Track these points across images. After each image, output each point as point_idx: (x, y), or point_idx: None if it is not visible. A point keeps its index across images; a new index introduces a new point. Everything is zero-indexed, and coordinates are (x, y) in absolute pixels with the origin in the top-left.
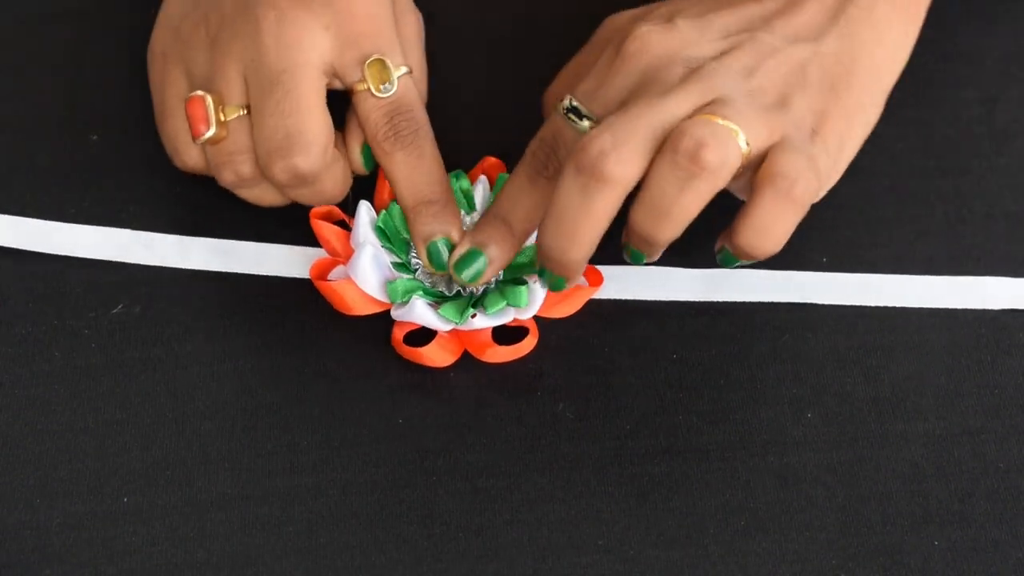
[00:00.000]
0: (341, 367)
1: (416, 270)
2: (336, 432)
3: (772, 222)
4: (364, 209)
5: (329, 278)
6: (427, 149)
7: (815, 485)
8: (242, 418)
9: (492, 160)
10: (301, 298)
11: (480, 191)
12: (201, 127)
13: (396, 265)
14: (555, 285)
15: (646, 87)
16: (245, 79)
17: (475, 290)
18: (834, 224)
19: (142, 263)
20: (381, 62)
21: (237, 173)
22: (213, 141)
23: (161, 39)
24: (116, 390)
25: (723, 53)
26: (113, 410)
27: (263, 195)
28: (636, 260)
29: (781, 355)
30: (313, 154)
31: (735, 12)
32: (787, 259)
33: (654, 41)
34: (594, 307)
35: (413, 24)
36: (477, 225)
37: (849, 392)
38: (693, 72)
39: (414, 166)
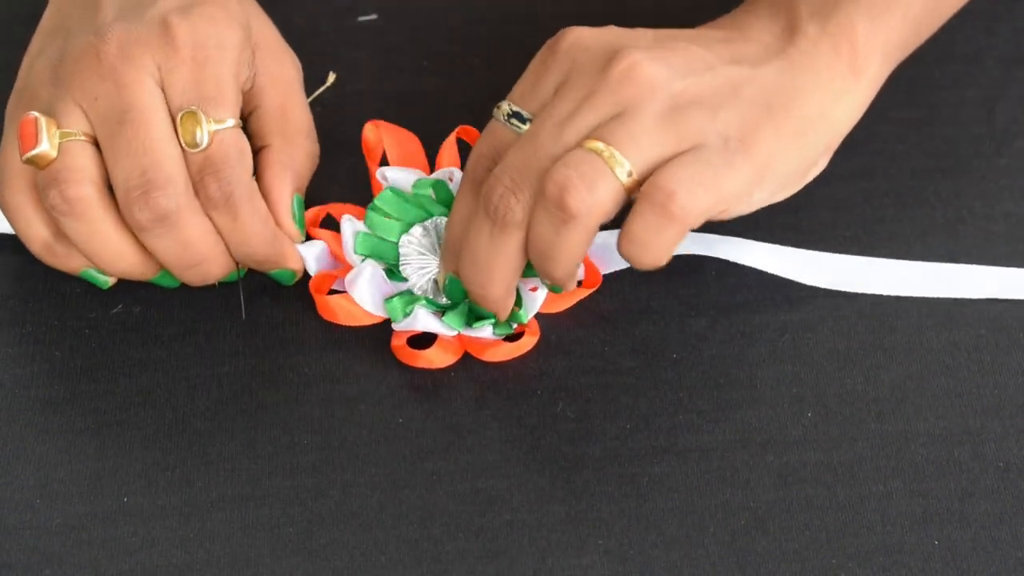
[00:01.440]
0: (341, 368)
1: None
2: (336, 433)
3: (648, 236)
4: (347, 224)
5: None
6: (241, 211)
7: (815, 484)
8: (242, 419)
9: (467, 129)
10: (301, 299)
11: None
12: (29, 143)
13: (388, 272)
14: (553, 288)
15: (560, 96)
16: (86, 114)
17: None
18: (834, 224)
19: None
20: (193, 115)
21: (62, 195)
22: (42, 161)
23: (20, 77)
24: (116, 390)
25: (655, 53)
26: (113, 410)
27: (104, 244)
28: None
29: (781, 355)
30: (172, 191)
31: (681, 36)
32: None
33: (585, 36)
34: (594, 307)
35: (285, 69)
36: (442, 254)
37: (849, 392)
38: (605, 78)
39: (230, 229)
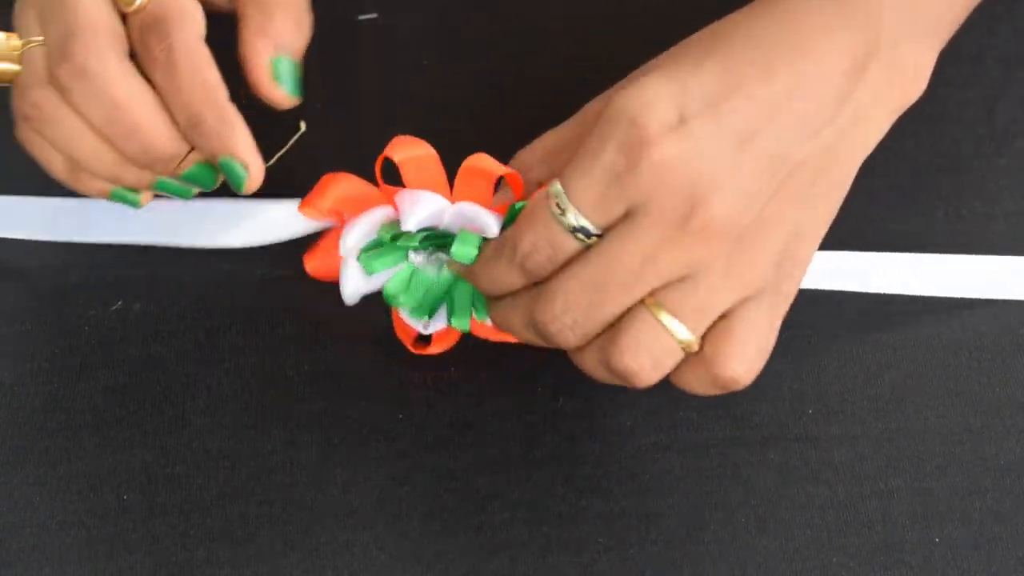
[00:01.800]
0: (341, 364)
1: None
2: (336, 429)
3: (694, 388)
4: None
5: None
6: (180, 67)
7: (816, 482)
8: (242, 415)
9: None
10: (301, 295)
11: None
12: None
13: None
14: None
15: (633, 235)
16: (40, 14)
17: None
18: (834, 222)
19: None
20: None
21: (28, 103)
22: (6, 77)
23: None
24: (116, 387)
25: (734, 180)
26: (113, 408)
27: (71, 135)
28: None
29: (782, 352)
30: (91, 42)
31: (747, 100)
32: None
33: (669, 165)
34: None
35: None
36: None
37: (850, 389)
38: (683, 232)
39: (169, 88)
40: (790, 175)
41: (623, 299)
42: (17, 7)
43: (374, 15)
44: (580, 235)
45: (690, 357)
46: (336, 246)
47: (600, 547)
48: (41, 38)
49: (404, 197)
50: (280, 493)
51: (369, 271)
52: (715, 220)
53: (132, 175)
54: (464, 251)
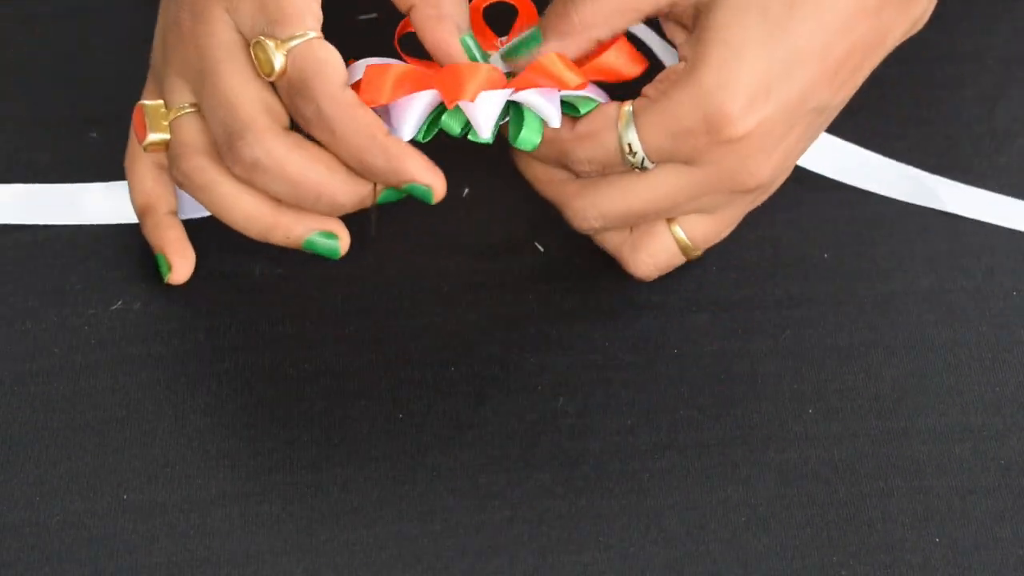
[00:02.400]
0: (341, 364)
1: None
2: (336, 429)
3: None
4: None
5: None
6: (337, 124)
7: (816, 481)
8: (242, 415)
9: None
10: (301, 295)
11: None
12: (140, 133)
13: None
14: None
15: (685, 180)
16: (188, 84)
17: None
18: (835, 221)
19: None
20: (259, 44)
21: (179, 171)
22: (157, 146)
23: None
24: (116, 387)
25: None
26: (113, 407)
27: (232, 206)
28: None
29: (782, 351)
30: (251, 138)
31: (808, 75)
32: (788, 256)
33: (738, 147)
34: (595, 303)
35: None
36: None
37: (850, 388)
38: (734, 194)
39: (333, 146)
40: (819, 114)
41: (654, 219)
42: (158, 66)
43: (374, 15)
44: (632, 159)
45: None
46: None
47: (600, 547)
48: (189, 107)
49: (469, 104)
50: (280, 492)
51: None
52: (762, 184)
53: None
54: (529, 139)
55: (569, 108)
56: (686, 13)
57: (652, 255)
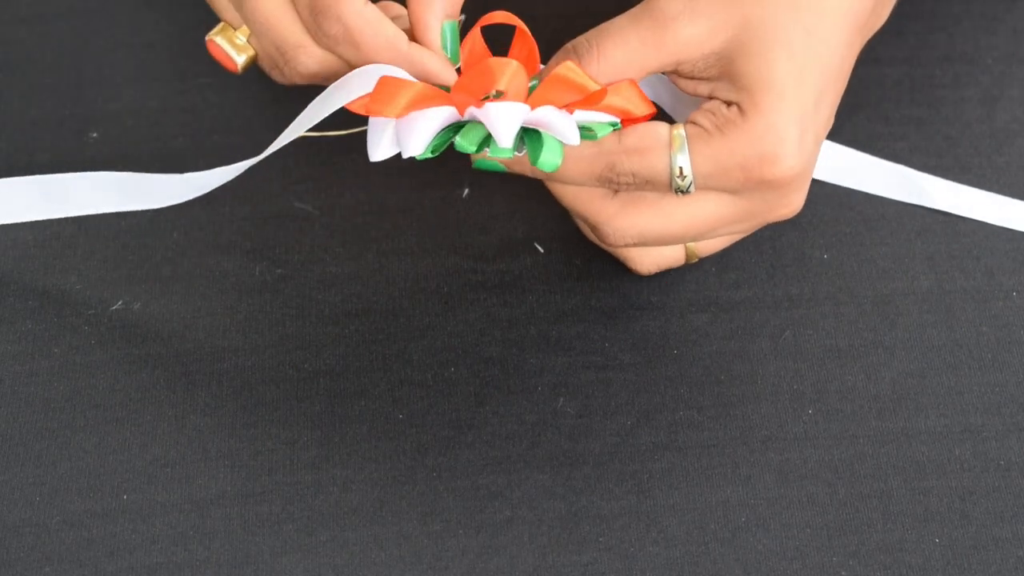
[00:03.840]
0: (341, 364)
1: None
2: (336, 429)
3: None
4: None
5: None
6: (362, 43)
7: (816, 482)
8: (242, 415)
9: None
10: (301, 295)
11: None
12: (229, 65)
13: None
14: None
15: (730, 209)
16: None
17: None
18: (835, 221)
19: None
20: None
21: (296, 69)
22: (248, 64)
23: None
24: (116, 387)
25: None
26: (113, 407)
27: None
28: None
29: (782, 351)
30: (303, 58)
31: (830, 107)
32: (788, 256)
33: (784, 184)
34: (595, 303)
35: None
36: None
37: (850, 389)
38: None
39: (360, 62)
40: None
41: (686, 241)
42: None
43: None
44: (680, 188)
45: None
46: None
47: (600, 547)
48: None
49: (489, 111)
50: (280, 493)
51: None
52: (796, 212)
53: None
54: (551, 160)
55: (585, 132)
56: (699, 68)
57: (657, 257)
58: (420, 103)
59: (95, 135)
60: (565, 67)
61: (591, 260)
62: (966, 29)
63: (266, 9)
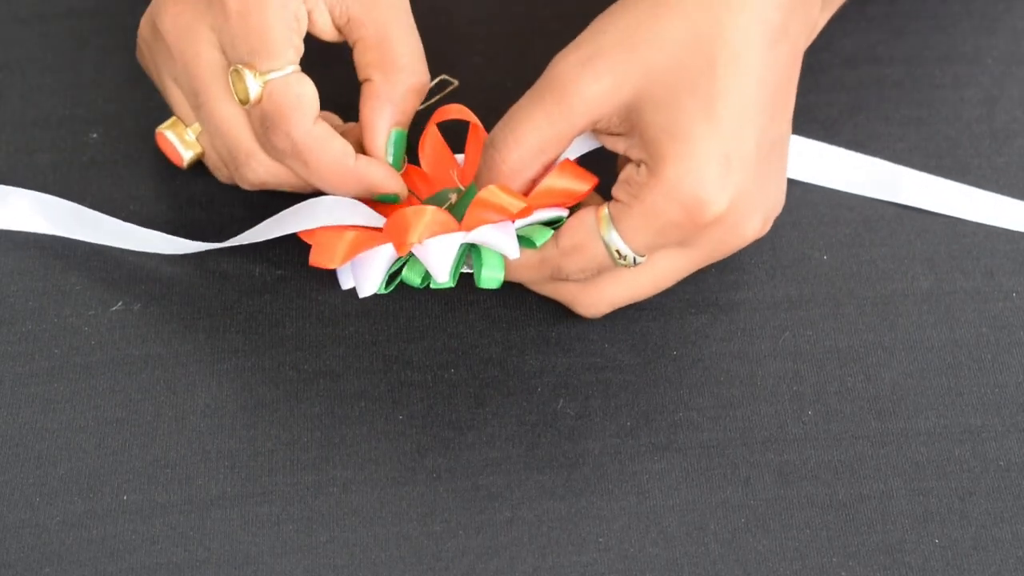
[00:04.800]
0: (341, 365)
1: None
2: (336, 430)
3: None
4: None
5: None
6: (310, 159)
7: (815, 483)
8: (242, 416)
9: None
10: (301, 295)
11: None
12: (175, 159)
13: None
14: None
15: (681, 263)
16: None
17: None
18: (835, 221)
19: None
20: (237, 72)
21: (246, 176)
22: (195, 160)
23: None
24: (116, 388)
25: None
26: (113, 408)
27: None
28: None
29: (782, 352)
30: (255, 164)
31: (763, 135)
32: (788, 256)
33: (720, 221)
34: None
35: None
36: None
37: (849, 390)
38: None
39: (308, 176)
40: (778, 144)
41: (656, 292)
42: (151, 69)
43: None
44: (623, 262)
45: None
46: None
47: (600, 547)
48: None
49: (423, 249)
50: (280, 493)
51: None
52: (758, 234)
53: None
54: (492, 276)
55: (525, 242)
56: (613, 124)
57: (610, 299)
58: (358, 248)
59: (95, 135)
60: (488, 192)
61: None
62: (966, 29)
63: (221, 115)
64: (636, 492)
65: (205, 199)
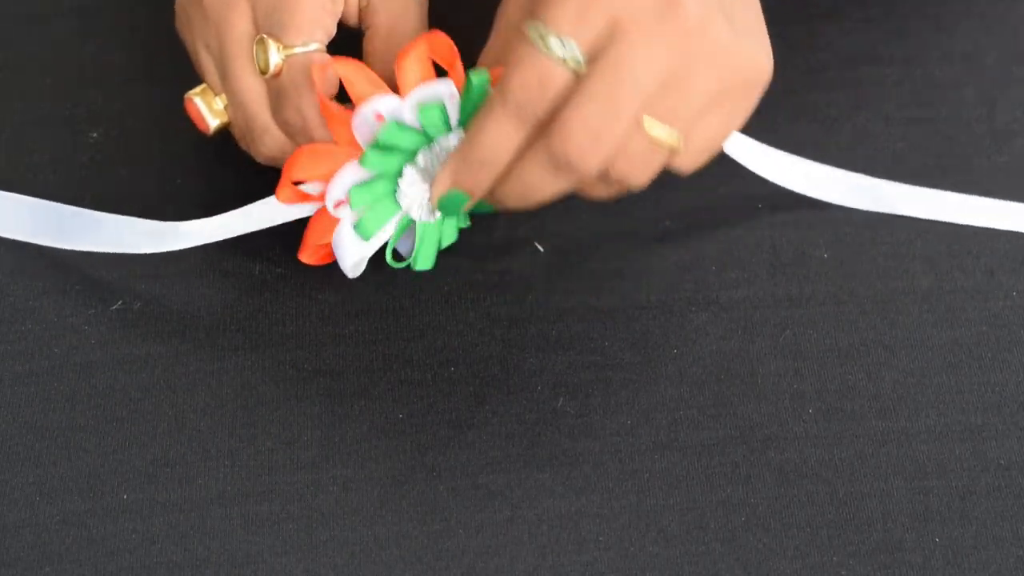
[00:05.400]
0: (341, 363)
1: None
2: (336, 429)
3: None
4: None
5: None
6: (319, 137)
7: (816, 481)
8: (242, 415)
9: (440, 40)
10: (301, 294)
11: (452, 108)
12: (202, 126)
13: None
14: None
15: (623, 52)
16: (213, 58)
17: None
18: (835, 221)
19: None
20: (261, 42)
21: (259, 149)
22: (220, 128)
23: None
24: (116, 387)
25: None
26: (113, 407)
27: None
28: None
29: (782, 351)
30: (269, 140)
31: None
32: (788, 256)
33: (697, 44)
34: (594, 302)
35: None
36: (458, 168)
37: (850, 388)
38: (665, 32)
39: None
40: None
41: (634, 108)
42: (185, 34)
43: None
44: (569, 61)
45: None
46: (322, 228)
47: (600, 547)
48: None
49: (359, 115)
50: (280, 492)
51: (366, 235)
52: (691, 16)
53: None
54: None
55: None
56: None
57: (641, 162)
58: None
59: (95, 135)
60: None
61: (591, 260)
62: (966, 29)
63: (244, 86)
64: (636, 491)
65: (205, 200)
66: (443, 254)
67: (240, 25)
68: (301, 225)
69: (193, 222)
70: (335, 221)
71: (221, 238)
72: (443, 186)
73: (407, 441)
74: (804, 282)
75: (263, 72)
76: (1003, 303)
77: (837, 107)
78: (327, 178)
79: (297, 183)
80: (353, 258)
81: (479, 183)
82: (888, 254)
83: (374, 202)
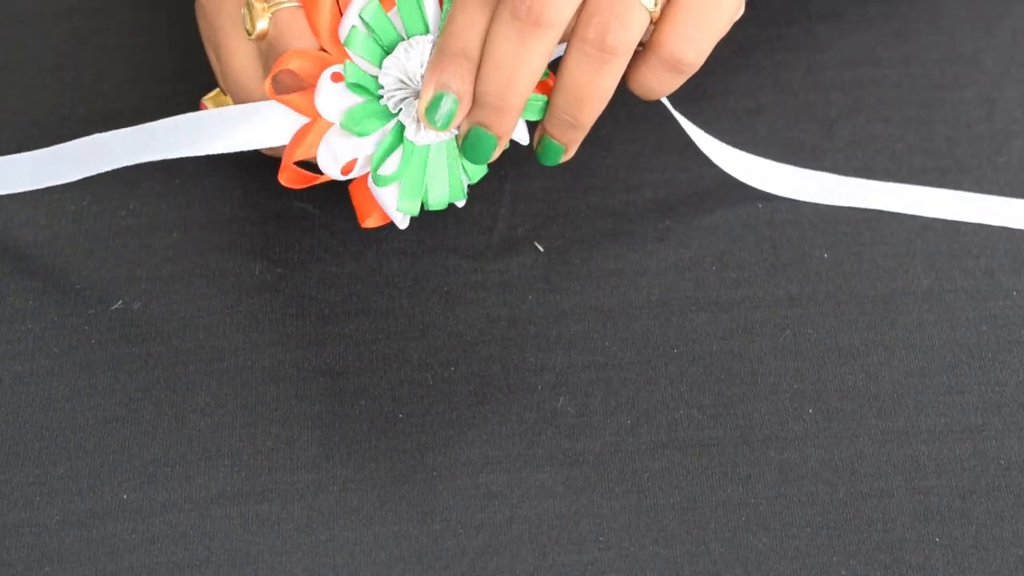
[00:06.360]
0: (341, 363)
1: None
2: (336, 428)
3: (655, 86)
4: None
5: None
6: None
7: (816, 481)
8: (242, 414)
9: None
10: (301, 294)
11: (431, 6)
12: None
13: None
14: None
15: None
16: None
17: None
18: (835, 220)
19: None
20: (247, 4)
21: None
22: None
23: None
24: (115, 387)
25: None
26: (112, 407)
27: None
28: (551, 157)
29: (782, 351)
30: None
31: None
32: (788, 255)
33: None
34: (594, 302)
35: None
36: (434, 64)
37: (850, 388)
38: None
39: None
40: None
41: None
42: (210, 58)
43: None
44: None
45: (647, 53)
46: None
47: (600, 547)
48: None
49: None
50: (280, 492)
51: (361, 132)
52: None
53: None
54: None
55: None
56: None
57: (623, 21)
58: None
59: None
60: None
61: (591, 260)
62: (966, 29)
63: (237, 65)
64: (636, 490)
65: (205, 199)
66: (443, 254)
67: (228, 6)
68: (302, 225)
69: (167, 120)
70: (320, 135)
71: (205, 150)
72: (428, 91)
73: (407, 441)
74: (804, 282)
75: (249, 34)
76: (1003, 303)
77: (837, 107)
78: (314, 78)
79: (298, 163)
80: (338, 161)
81: (462, 78)
82: (888, 254)
83: (364, 108)
